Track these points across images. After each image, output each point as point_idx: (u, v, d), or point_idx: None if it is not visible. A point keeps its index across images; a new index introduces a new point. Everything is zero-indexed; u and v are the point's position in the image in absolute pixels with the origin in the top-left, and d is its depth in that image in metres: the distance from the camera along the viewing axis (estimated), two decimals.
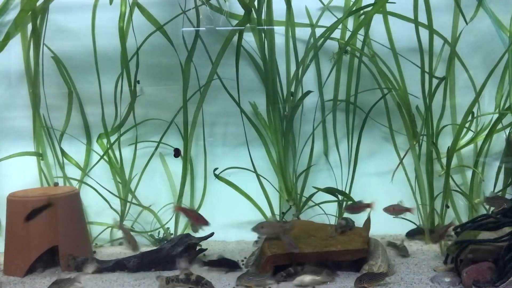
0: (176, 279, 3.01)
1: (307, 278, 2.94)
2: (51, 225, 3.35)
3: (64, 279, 2.93)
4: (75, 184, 3.92)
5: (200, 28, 3.71)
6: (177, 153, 3.77)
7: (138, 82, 3.78)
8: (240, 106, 3.73)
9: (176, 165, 3.96)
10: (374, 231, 3.49)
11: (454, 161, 3.82)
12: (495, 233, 2.91)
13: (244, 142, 3.78)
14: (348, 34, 3.86)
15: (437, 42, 3.73)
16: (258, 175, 3.82)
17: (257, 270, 3.16)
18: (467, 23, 3.57)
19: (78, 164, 3.95)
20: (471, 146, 3.86)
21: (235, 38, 3.71)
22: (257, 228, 3.18)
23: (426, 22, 3.58)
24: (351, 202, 3.68)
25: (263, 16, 3.66)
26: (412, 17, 3.61)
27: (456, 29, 3.68)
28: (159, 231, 3.95)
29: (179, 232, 3.93)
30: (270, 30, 3.72)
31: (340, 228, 3.32)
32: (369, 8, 3.61)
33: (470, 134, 3.84)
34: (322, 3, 3.89)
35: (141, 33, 3.72)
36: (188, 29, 3.73)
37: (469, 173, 3.86)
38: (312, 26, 3.86)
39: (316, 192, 3.78)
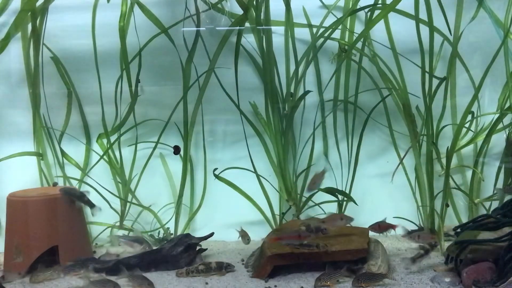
0: (196, 270, 3.09)
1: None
2: (51, 225, 3.35)
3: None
4: (75, 184, 3.92)
5: (200, 28, 3.72)
6: (176, 150, 3.78)
7: (139, 81, 3.78)
8: (238, 107, 3.73)
9: (176, 165, 3.96)
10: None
11: (454, 161, 3.82)
12: (495, 233, 2.91)
13: (244, 142, 3.78)
14: (347, 34, 3.88)
15: (438, 41, 3.73)
16: (258, 175, 3.82)
17: (256, 270, 3.16)
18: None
19: (78, 164, 3.95)
20: (471, 146, 3.85)
21: (235, 37, 3.71)
22: None
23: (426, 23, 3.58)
24: None
25: (261, 16, 3.66)
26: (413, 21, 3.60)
27: (458, 29, 3.66)
28: (159, 231, 3.95)
29: (179, 232, 3.94)
30: (268, 29, 3.71)
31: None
32: (370, 8, 3.62)
33: (470, 134, 3.84)
34: (324, 4, 3.89)
35: (142, 32, 3.72)
36: (188, 29, 3.73)
37: (469, 173, 3.86)
38: (310, 26, 3.86)
39: (316, 192, 3.78)
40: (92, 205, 3.46)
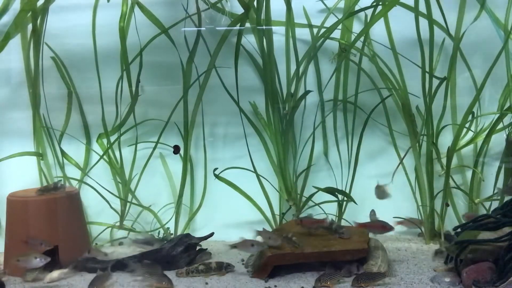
0: (196, 270, 3.08)
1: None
2: (51, 225, 3.35)
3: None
4: (75, 184, 3.92)
5: (201, 28, 3.71)
6: (176, 149, 3.77)
7: (139, 81, 3.77)
8: (239, 105, 3.73)
9: (176, 165, 3.96)
10: None
11: (454, 161, 3.82)
12: (495, 233, 2.91)
13: (244, 142, 3.78)
14: (348, 34, 3.88)
15: (439, 40, 3.74)
16: (258, 175, 3.82)
17: (256, 270, 3.16)
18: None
19: (78, 164, 3.95)
20: (471, 146, 3.85)
21: (235, 37, 3.72)
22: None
23: (427, 24, 3.58)
24: None
25: (262, 16, 3.66)
26: (413, 22, 3.60)
27: (459, 30, 3.65)
28: (159, 231, 3.95)
29: (179, 232, 3.94)
30: (269, 29, 3.71)
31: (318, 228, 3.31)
32: (371, 9, 3.61)
33: (470, 134, 3.84)
34: (325, 5, 3.89)
35: (142, 32, 3.71)
36: (188, 29, 3.73)
37: (469, 173, 3.86)
38: (311, 26, 3.86)
39: (316, 192, 3.78)
40: (61, 186, 3.48)
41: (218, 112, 3.97)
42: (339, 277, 2.94)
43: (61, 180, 3.69)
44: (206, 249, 3.60)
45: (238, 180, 3.84)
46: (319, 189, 3.76)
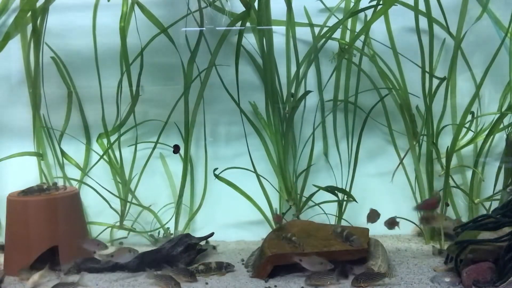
0: (196, 270, 3.09)
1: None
2: (51, 225, 3.35)
3: (67, 283, 2.94)
4: (74, 184, 3.92)
5: (201, 28, 3.71)
6: (176, 149, 3.77)
7: (139, 83, 3.77)
8: (239, 105, 3.73)
9: (176, 165, 3.96)
10: (374, 231, 3.50)
11: (454, 161, 3.82)
12: (495, 233, 2.91)
13: (244, 141, 3.78)
14: (348, 34, 3.88)
15: (440, 39, 3.74)
16: (258, 175, 3.82)
17: (256, 270, 3.16)
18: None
19: (78, 165, 3.95)
20: (471, 146, 3.85)
21: (235, 37, 3.71)
22: None
23: (427, 25, 3.58)
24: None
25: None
26: (413, 24, 3.60)
27: (460, 30, 3.65)
28: (159, 231, 3.95)
29: (179, 232, 3.94)
30: (269, 29, 3.71)
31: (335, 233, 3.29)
32: (371, 9, 3.61)
33: (470, 134, 3.84)
34: (325, 6, 3.89)
35: (143, 32, 3.71)
36: (189, 29, 3.72)
37: (469, 173, 3.86)
38: (311, 26, 3.86)
39: (317, 191, 3.78)
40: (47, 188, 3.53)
41: (218, 112, 3.97)
42: (331, 279, 2.91)
43: (45, 182, 3.70)
44: (206, 249, 3.60)
45: (238, 180, 3.84)
46: (319, 187, 3.76)
